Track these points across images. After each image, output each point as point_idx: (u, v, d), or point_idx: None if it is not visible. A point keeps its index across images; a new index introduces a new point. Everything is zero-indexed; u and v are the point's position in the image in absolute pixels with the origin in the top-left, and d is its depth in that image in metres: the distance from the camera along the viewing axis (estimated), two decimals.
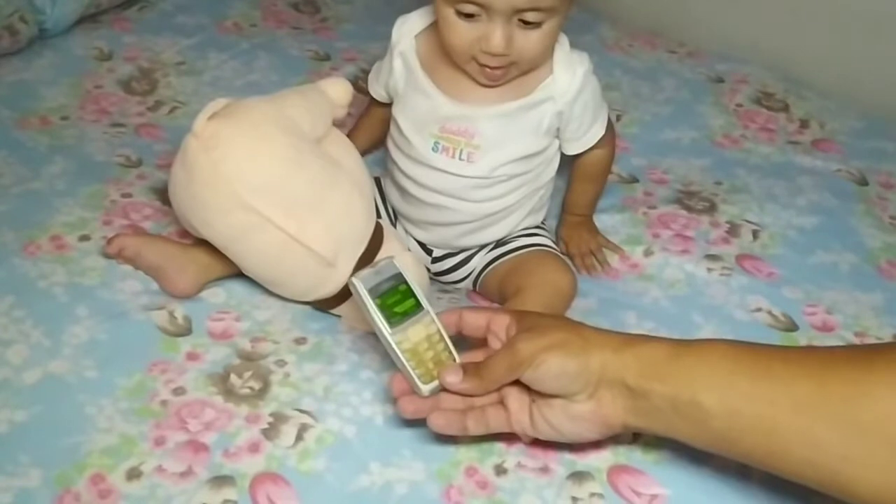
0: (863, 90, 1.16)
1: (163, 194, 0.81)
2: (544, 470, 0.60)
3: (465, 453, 0.62)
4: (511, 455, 0.61)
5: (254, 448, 0.60)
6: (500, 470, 0.60)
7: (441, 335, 0.61)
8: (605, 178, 0.83)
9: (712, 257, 0.83)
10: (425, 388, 0.59)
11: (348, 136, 0.77)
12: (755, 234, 0.86)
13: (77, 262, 0.73)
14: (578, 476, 0.60)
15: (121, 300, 0.70)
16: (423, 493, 0.58)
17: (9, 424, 0.60)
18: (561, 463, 0.60)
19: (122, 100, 0.99)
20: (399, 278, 0.60)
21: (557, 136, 0.75)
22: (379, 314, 0.58)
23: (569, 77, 0.72)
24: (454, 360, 0.61)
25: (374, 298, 0.59)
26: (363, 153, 0.77)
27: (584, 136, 0.76)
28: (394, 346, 0.59)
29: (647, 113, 1.06)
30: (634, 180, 0.94)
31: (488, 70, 0.69)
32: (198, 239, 0.71)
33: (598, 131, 0.76)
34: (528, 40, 0.67)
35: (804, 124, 1.07)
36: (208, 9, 1.18)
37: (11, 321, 0.67)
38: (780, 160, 1.00)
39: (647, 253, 0.83)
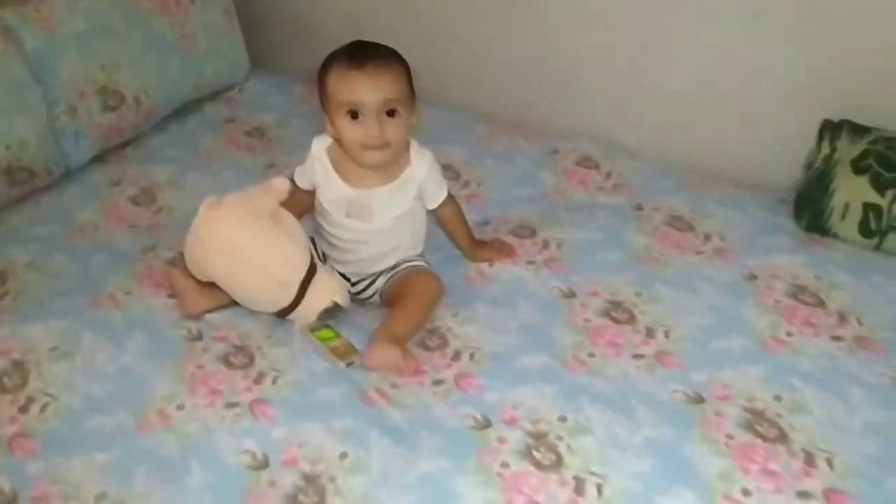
0: None
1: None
2: None
3: None
4: None
5: None
6: None
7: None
8: (464, 220, 1.39)
9: None
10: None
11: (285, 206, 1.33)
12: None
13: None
14: None
15: None
16: None
17: None
18: None
19: None
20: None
21: (420, 198, 1.32)
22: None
23: (420, 164, 1.29)
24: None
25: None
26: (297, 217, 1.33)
27: (436, 197, 1.33)
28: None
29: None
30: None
31: (373, 153, 1.22)
32: (202, 282, 1.26)
33: (444, 193, 1.34)
34: (393, 127, 1.22)
35: None
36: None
37: None
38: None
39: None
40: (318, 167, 1.31)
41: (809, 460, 1.05)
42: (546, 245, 1.45)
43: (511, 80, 1.92)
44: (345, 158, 1.28)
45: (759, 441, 1.07)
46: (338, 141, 1.28)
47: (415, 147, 1.30)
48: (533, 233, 1.48)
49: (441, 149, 1.69)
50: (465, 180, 1.65)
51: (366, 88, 1.19)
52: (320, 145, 1.32)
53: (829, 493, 1.01)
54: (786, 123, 1.62)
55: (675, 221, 1.51)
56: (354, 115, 1.21)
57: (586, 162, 1.70)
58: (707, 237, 1.47)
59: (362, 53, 1.20)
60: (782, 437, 1.08)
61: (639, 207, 1.56)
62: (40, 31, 1.57)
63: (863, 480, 1.02)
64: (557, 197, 1.61)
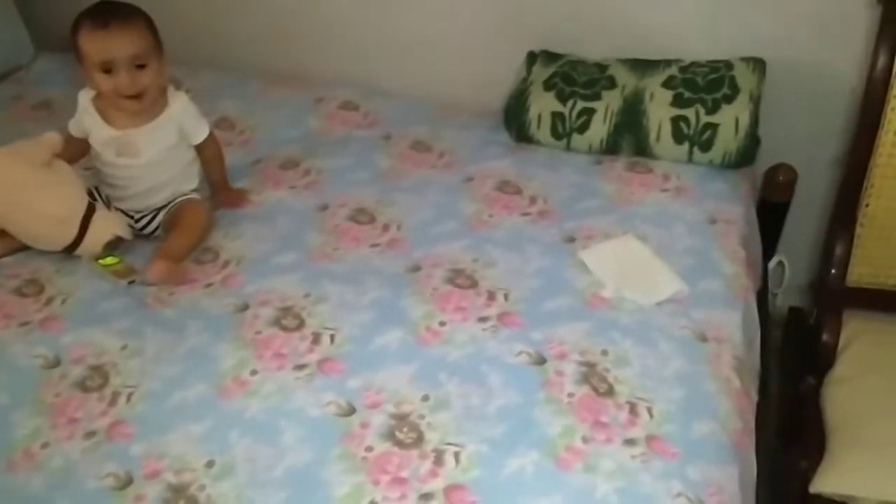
0: None
1: None
2: None
3: None
4: None
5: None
6: None
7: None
8: (222, 162, 1.63)
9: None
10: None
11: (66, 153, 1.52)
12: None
13: None
14: None
15: None
16: None
17: None
18: None
19: None
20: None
21: (183, 136, 1.54)
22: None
23: (176, 104, 1.52)
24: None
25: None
26: (71, 162, 1.52)
27: (197, 134, 1.56)
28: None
29: None
30: None
31: (130, 101, 1.45)
32: None
33: (205, 130, 1.57)
34: (144, 76, 1.44)
35: None
36: None
37: None
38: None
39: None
40: (85, 117, 1.52)
41: (493, 294, 1.39)
42: (307, 173, 1.72)
43: (281, 39, 2.16)
44: (108, 105, 1.50)
45: (456, 290, 1.40)
46: (99, 93, 1.48)
47: (171, 90, 1.53)
48: (296, 164, 1.75)
49: (219, 104, 1.93)
50: (241, 129, 1.88)
51: (113, 47, 1.40)
52: (86, 97, 1.52)
53: (503, 317, 1.35)
54: (505, 57, 1.97)
55: (417, 145, 1.82)
56: (108, 70, 1.42)
57: (348, 105, 1.98)
58: (441, 154, 1.78)
59: (105, 14, 1.41)
60: (473, 284, 1.41)
61: (388, 137, 1.85)
62: None
63: (528, 305, 1.38)
64: (320, 136, 1.88)
